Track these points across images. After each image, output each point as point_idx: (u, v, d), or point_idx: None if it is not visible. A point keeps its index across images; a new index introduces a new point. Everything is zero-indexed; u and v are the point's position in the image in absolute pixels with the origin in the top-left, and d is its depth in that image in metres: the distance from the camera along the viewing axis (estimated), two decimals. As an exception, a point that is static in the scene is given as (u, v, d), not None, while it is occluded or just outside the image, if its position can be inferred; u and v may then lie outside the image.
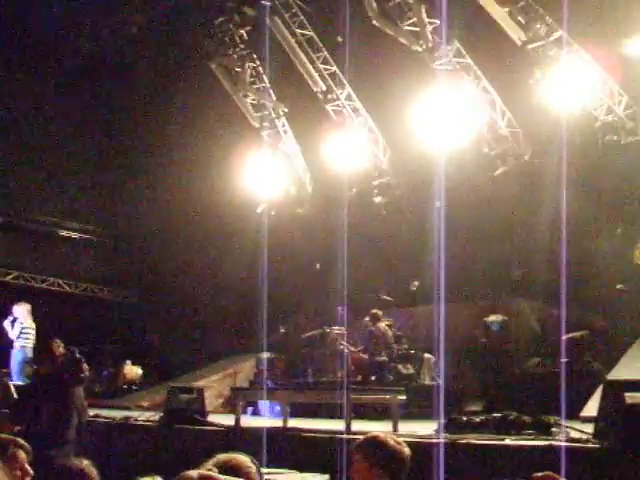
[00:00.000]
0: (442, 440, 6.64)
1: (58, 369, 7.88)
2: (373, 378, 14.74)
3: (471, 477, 6.24)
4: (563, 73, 15.75)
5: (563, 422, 7.09)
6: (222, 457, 3.39)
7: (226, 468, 3.21)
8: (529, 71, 16.21)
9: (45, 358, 7.93)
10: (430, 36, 17.76)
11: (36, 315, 19.51)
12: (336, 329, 17.16)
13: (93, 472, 4.28)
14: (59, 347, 7.96)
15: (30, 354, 17.33)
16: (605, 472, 5.59)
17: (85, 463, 4.32)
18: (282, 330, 19.30)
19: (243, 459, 3.42)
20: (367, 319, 16.13)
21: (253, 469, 3.39)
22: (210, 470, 2.90)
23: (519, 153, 17.73)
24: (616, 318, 14.80)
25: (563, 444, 6.10)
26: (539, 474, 2.66)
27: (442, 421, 7.66)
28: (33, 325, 17.67)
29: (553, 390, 7.70)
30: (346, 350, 16.68)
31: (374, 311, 15.48)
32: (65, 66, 23.00)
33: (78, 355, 8.04)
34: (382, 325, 15.36)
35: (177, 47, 21.40)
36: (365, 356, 15.67)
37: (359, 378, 15.86)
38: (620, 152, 15.80)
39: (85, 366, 8.06)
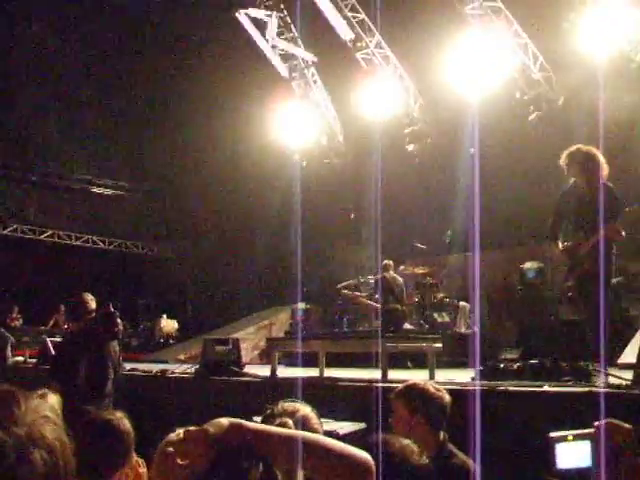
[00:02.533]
0: (479, 387, 6.59)
1: (92, 324, 7.89)
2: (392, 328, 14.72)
3: (510, 424, 6.20)
4: (597, 14, 15.44)
5: (602, 369, 7.01)
6: (288, 407, 3.35)
7: (294, 419, 3.18)
8: (562, 13, 15.91)
9: (78, 314, 7.93)
10: (460, -20, 17.49)
11: (70, 272, 19.73)
12: (371, 278, 17.12)
13: (126, 424, 4.30)
14: (92, 302, 7.96)
15: None
16: (645, 418, 5.52)
17: (119, 415, 4.33)
18: (316, 281, 19.30)
19: (307, 409, 3.39)
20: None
21: (316, 418, 3.37)
22: (286, 422, 2.86)
23: (552, 98, 17.48)
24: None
25: (602, 390, 6.03)
26: (601, 422, 2.59)
27: (479, 368, 7.60)
28: None
29: (589, 337, 7.64)
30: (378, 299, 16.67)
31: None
32: (94, 24, 22.92)
33: (112, 309, 8.05)
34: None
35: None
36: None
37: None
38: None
39: (119, 320, 8.07)
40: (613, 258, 7.90)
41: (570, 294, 8.37)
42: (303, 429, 2.85)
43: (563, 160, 8.20)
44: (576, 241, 8.01)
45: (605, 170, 8.04)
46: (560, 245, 8.21)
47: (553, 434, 2.53)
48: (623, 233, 7.74)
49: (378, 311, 16.39)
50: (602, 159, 8.06)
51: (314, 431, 3.15)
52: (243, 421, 2.03)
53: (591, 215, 7.86)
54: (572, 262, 8.01)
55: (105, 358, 7.76)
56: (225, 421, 2.00)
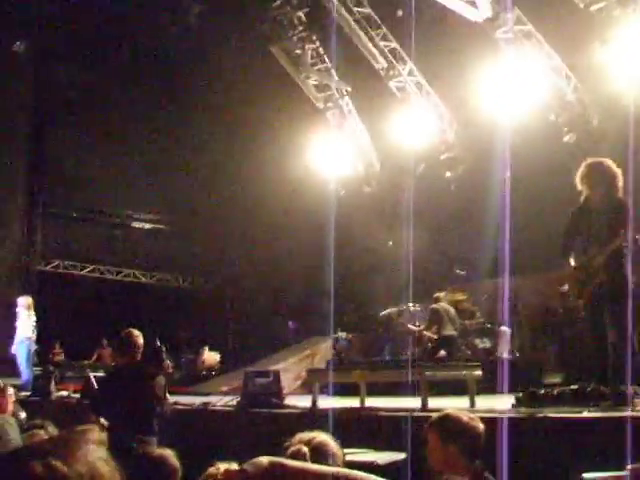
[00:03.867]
0: (519, 415, 6.58)
1: (140, 360, 7.97)
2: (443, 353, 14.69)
3: (549, 451, 6.17)
4: (629, 33, 15.40)
5: (634, 390, 6.96)
6: (305, 436, 3.42)
7: (310, 446, 3.25)
8: (594, 34, 15.89)
9: (126, 349, 8.00)
10: (489, 5, 17.53)
11: (112, 306, 19.91)
12: (412, 306, 17.15)
13: (175, 462, 4.35)
14: (139, 337, 8.04)
15: (33, 346, 17.33)
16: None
17: (168, 452, 4.38)
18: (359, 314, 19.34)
19: (324, 437, 3.46)
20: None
21: (333, 445, 3.43)
22: (299, 449, 2.92)
23: (586, 119, 17.43)
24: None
25: (641, 414, 6.01)
26: (635, 465, 2.60)
27: (518, 395, 7.58)
28: (34, 318, 17.58)
29: (633, 358, 7.56)
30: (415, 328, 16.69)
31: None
32: (126, 57, 23.21)
33: (159, 344, 8.14)
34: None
35: (236, 34, 21.41)
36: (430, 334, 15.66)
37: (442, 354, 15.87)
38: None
39: (166, 357, 8.16)
40: (629, 270, 7.80)
41: (583, 313, 8.24)
42: (319, 454, 2.91)
43: (579, 175, 8.15)
44: (590, 256, 7.92)
45: (621, 182, 7.98)
46: (573, 262, 8.12)
47: (586, 475, 2.54)
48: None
49: (427, 339, 16.48)
50: (618, 171, 8.01)
51: (331, 456, 3.24)
52: (282, 459, 2.07)
53: (605, 228, 7.81)
54: (586, 277, 7.88)
55: (152, 394, 7.82)
56: (265, 460, 2.04)
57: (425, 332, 15.96)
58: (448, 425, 4.64)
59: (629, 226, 7.66)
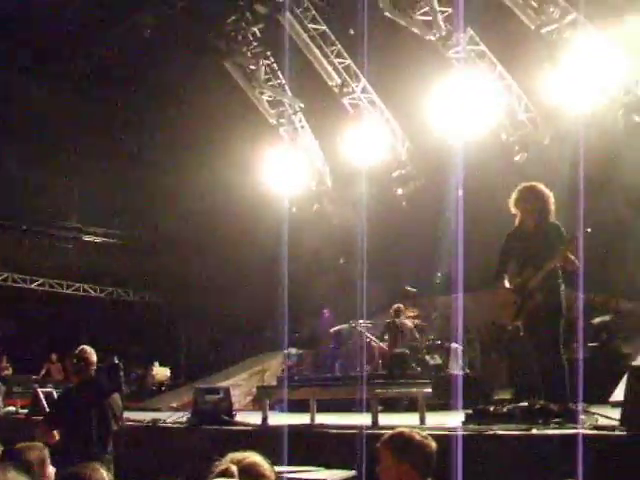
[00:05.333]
0: (468, 432, 6.61)
1: (95, 377, 7.88)
2: (396, 372, 14.65)
3: (498, 468, 6.20)
4: (579, 55, 15.64)
5: (582, 408, 7.03)
6: (236, 455, 3.41)
7: (240, 466, 3.25)
8: (545, 55, 16.10)
9: (80, 367, 7.90)
10: (443, 25, 17.73)
11: (62, 321, 19.73)
12: (362, 323, 17.16)
13: (101, 474, 4.22)
14: (93, 354, 7.94)
15: None
16: (632, 459, 5.54)
17: (92, 466, 4.27)
18: (306, 327, 19.29)
19: (256, 458, 3.45)
20: (391, 310, 16.14)
21: (266, 466, 3.42)
22: (228, 468, 2.92)
23: (537, 138, 17.63)
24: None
25: (590, 432, 6.05)
26: None
27: (468, 412, 7.62)
28: None
29: (582, 376, 7.64)
30: (373, 344, 16.69)
31: (397, 305, 15.47)
32: (80, 70, 23.06)
33: (116, 361, 8.06)
34: (403, 319, 15.37)
35: (190, 47, 21.36)
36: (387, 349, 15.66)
37: (385, 372, 15.87)
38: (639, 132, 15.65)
39: (121, 373, 8.08)
40: (562, 291, 7.92)
41: (522, 333, 8.33)
42: (249, 475, 2.92)
43: (512, 199, 8.25)
44: (524, 277, 8.02)
45: (553, 205, 8.11)
46: (507, 284, 8.21)
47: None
48: (577, 262, 7.76)
49: (380, 354, 16.49)
50: (550, 195, 8.13)
51: (263, 477, 3.26)
52: None
53: (539, 251, 7.92)
54: (521, 299, 7.99)
55: (108, 411, 7.73)
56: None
57: (383, 347, 16.00)
58: (401, 442, 4.63)
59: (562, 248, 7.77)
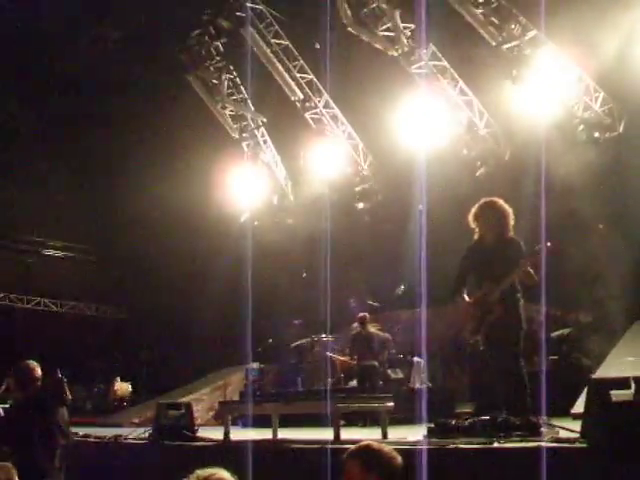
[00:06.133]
0: (430, 446, 6.63)
1: (40, 391, 7.79)
2: (367, 384, 14.58)
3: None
4: (539, 72, 15.83)
5: (543, 420, 7.09)
6: (203, 472, 3.39)
7: None
8: (505, 71, 16.26)
9: (25, 382, 7.81)
10: (405, 41, 17.86)
11: (22, 335, 19.49)
12: (324, 337, 17.16)
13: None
14: (37, 369, 7.85)
15: None
16: (592, 472, 5.59)
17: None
18: (270, 340, 19.21)
19: (224, 474, 3.42)
20: (355, 324, 16.11)
21: None
22: None
23: (498, 153, 17.78)
24: (603, 313, 14.82)
25: (551, 445, 6.10)
26: None
27: (430, 426, 7.64)
28: None
29: (543, 388, 7.69)
30: (333, 357, 16.68)
31: (362, 314, 15.40)
32: (44, 82, 22.92)
33: (60, 375, 7.98)
34: (371, 329, 15.27)
35: (154, 61, 21.30)
36: (353, 361, 15.58)
37: (353, 384, 15.83)
38: (599, 148, 15.84)
39: (66, 387, 7.99)
40: (521, 305, 8.01)
41: (482, 347, 8.40)
42: None
43: (471, 215, 8.32)
44: (484, 291, 8.09)
45: (512, 221, 8.19)
46: (467, 298, 8.27)
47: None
48: (536, 277, 7.84)
49: (340, 369, 16.45)
50: (509, 210, 8.21)
51: None
52: None
53: (498, 265, 8.00)
54: (481, 313, 8.06)
55: (54, 426, 7.65)
56: None
57: (346, 360, 15.96)
58: (370, 455, 4.62)
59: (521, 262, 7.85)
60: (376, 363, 14.97)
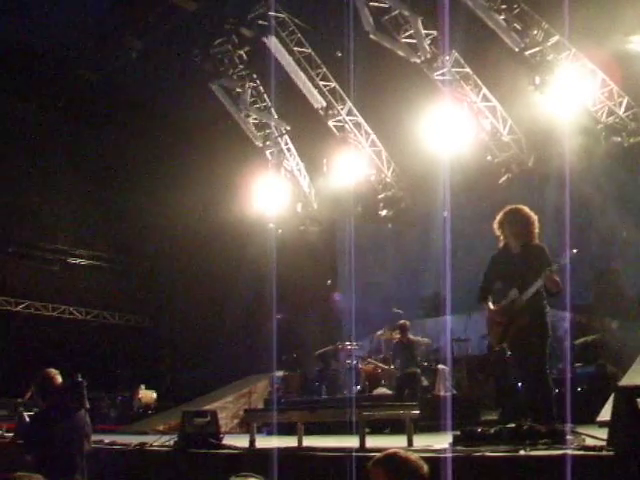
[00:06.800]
0: (456, 454, 6.61)
1: (61, 397, 7.85)
2: (406, 392, 14.46)
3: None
4: (562, 77, 15.78)
5: (569, 428, 7.04)
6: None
7: None
8: (528, 77, 16.22)
9: (46, 390, 7.89)
10: (428, 47, 17.83)
11: (47, 343, 19.61)
12: (348, 344, 17.16)
13: None
14: (57, 376, 7.92)
15: None
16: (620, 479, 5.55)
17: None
18: (294, 355, 19.20)
19: None
20: (379, 331, 16.06)
21: None
22: None
23: (522, 160, 17.73)
24: (629, 320, 14.75)
25: (577, 453, 6.06)
26: None
27: (456, 434, 7.61)
28: None
29: (568, 396, 7.66)
30: (360, 365, 16.66)
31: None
32: (67, 93, 23.08)
33: (79, 379, 8.04)
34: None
35: (177, 70, 21.41)
36: (391, 368, 15.51)
37: (379, 391, 15.80)
38: (623, 154, 15.76)
39: (85, 391, 8.05)
40: (547, 312, 7.97)
41: (508, 354, 8.37)
42: None
43: (496, 222, 8.30)
44: (509, 299, 8.06)
45: (537, 228, 8.15)
46: (492, 305, 8.24)
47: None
48: (561, 285, 7.81)
49: (365, 376, 16.42)
50: (534, 218, 8.17)
51: None
52: None
53: (524, 273, 7.96)
54: (507, 320, 8.03)
55: (75, 431, 7.71)
56: None
57: (383, 367, 15.88)
58: (396, 463, 4.62)
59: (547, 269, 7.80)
60: (418, 370, 14.87)
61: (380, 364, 16.30)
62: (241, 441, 10.28)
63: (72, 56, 21.55)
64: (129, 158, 24.84)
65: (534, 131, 17.13)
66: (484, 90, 17.82)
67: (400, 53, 18.34)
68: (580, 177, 14.36)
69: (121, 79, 22.28)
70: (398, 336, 15.47)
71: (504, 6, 16.37)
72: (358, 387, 16.25)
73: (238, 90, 22.10)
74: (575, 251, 7.79)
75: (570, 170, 12.87)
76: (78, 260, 28.18)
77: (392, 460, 4.68)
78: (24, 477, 4.23)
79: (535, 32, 16.24)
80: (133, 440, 12.01)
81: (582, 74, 15.74)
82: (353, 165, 20.03)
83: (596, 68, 15.76)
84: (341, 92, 20.63)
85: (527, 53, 16.29)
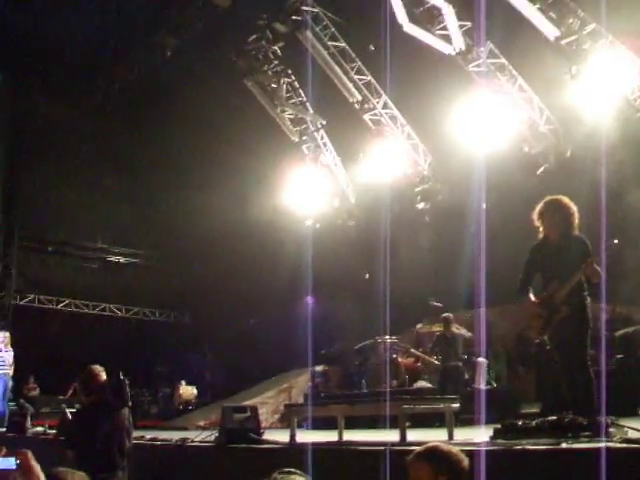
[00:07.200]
0: (497, 447, 6.58)
1: (104, 395, 7.91)
2: (449, 386, 14.37)
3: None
4: (599, 66, 15.61)
5: (611, 420, 6.98)
6: (279, 478, 3.35)
7: None
8: (565, 67, 16.08)
9: (90, 387, 7.96)
10: (462, 39, 17.72)
11: (87, 341, 19.80)
12: (387, 338, 17.13)
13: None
14: (102, 373, 7.99)
15: (10, 382, 17.44)
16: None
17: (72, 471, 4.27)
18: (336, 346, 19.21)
19: (300, 478, 3.37)
20: (419, 325, 16.00)
21: None
22: None
23: (560, 150, 17.58)
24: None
25: (620, 445, 6.01)
26: None
27: (497, 427, 7.58)
28: (11, 353, 17.57)
29: (609, 388, 7.59)
30: (399, 358, 16.63)
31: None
32: (103, 90, 23.26)
33: (122, 377, 8.10)
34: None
35: (212, 67, 21.48)
36: (435, 361, 15.47)
37: (419, 385, 15.79)
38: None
39: (127, 388, 8.12)
40: (588, 304, 7.89)
41: (549, 346, 8.29)
42: None
43: (536, 213, 8.20)
44: (550, 291, 7.98)
45: (577, 219, 8.06)
46: (533, 297, 8.17)
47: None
48: (602, 274, 7.72)
49: (404, 370, 16.39)
50: (574, 208, 8.08)
51: None
52: None
53: (564, 264, 7.87)
54: (548, 312, 7.96)
55: (118, 427, 7.79)
56: None
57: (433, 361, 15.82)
58: (439, 457, 4.61)
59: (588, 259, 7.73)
60: (460, 364, 14.84)
61: (424, 356, 16.25)
62: (282, 436, 10.31)
63: (106, 54, 21.70)
64: (164, 156, 24.95)
65: (571, 121, 16.95)
66: (520, 81, 17.70)
67: (434, 46, 18.27)
68: (618, 167, 14.21)
69: (155, 77, 22.40)
70: (439, 329, 15.44)
71: (539, -5, 16.26)
72: (395, 381, 16.21)
73: (273, 86, 22.17)
74: (616, 241, 7.71)
75: (608, 160, 12.74)
76: (117, 258, 28.41)
77: (435, 454, 4.67)
78: (66, 473, 4.25)
79: (571, 20, 16.10)
80: (174, 436, 12.09)
81: (620, 62, 15.56)
82: (389, 158, 19.98)
83: (634, 56, 15.58)
84: (376, 85, 20.61)
85: (563, 42, 16.15)
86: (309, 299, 19.38)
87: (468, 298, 16.99)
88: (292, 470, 3.42)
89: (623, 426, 7.03)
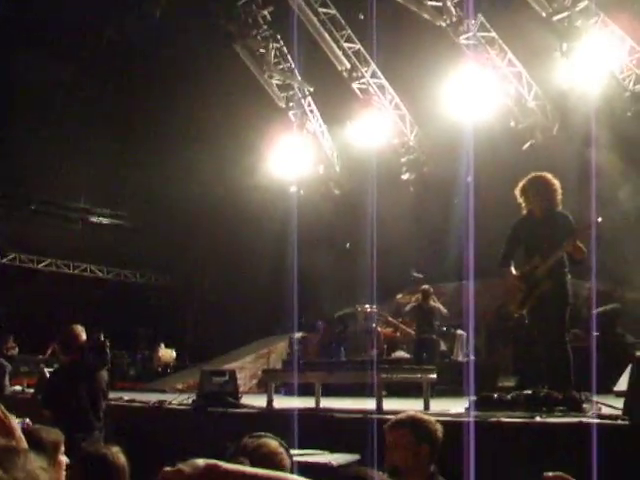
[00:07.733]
0: (472, 419, 6.63)
1: (83, 355, 7.91)
2: (424, 356, 14.47)
3: (502, 456, 6.23)
4: (590, 43, 15.59)
5: (594, 398, 7.06)
6: (250, 443, 3.34)
7: (256, 456, 3.18)
8: (555, 43, 16.05)
9: (70, 346, 7.95)
10: (454, 10, 17.67)
11: (68, 301, 19.76)
12: (367, 307, 17.18)
13: (122, 458, 4.26)
14: (82, 333, 7.98)
15: None
16: (634, 450, 5.56)
17: (114, 449, 4.30)
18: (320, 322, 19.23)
19: (272, 444, 3.36)
20: (399, 295, 16.05)
21: (283, 453, 3.34)
22: (242, 462, 2.85)
23: (547, 126, 17.59)
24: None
25: (592, 421, 6.07)
26: (550, 474, 2.68)
27: (473, 399, 7.65)
28: None
29: (585, 365, 7.66)
30: (379, 328, 16.70)
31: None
32: (90, 51, 23.04)
33: (102, 338, 8.10)
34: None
35: (201, 30, 21.32)
36: (412, 332, 15.52)
37: (397, 355, 15.88)
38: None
39: (108, 350, 8.13)
40: (568, 280, 7.94)
41: (527, 321, 8.36)
42: (267, 466, 2.85)
43: (519, 189, 8.23)
44: (532, 265, 8.03)
45: (560, 195, 8.08)
46: (514, 271, 8.21)
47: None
48: (585, 251, 7.77)
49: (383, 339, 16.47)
50: (557, 185, 8.10)
51: (280, 467, 3.18)
52: (219, 462, 2.07)
53: (547, 240, 7.92)
54: (528, 286, 8.00)
55: (96, 388, 7.80)
56: (201, 462, 2.04)
57: (409, 331, 15.87)
58: (421, 426, 4.65)
59: (571, 235, 7.76)
60: (434, 336, 14.91)
61: (403, 326, 16.32)
62: (259, 401, 10.37)
63: (95, 13, 21.48)
64: (151, 118, 24.79)
65: (559, 97, 16.97)
66: (509, 55, 17.67)
67: (425, 16, 18.19)
68: (605, 145, 14.24)
69: (144, 40, 22.21)
70: (417, 299, 15.51)
71: (532, -31, 16.20)
72: (376, 350, 16.29)
73: (262, 51, 22.03)
74: (599, 219, 7.74)
75: (595, 138, 12.76)
76: (99, 219, 28.31)
77: (416, 422, 4.70)
78: (40, 430, 4.27)
79: (563, -3, 16.07)
80: (152, 398, 12.14)
81: (610, 40, 15.55)
82: (376, 128, 19.94)
83: (625, 35, 15.57)
84: (365, 54, 20.52)
85: (555, 18, 16.12)
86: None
87: (450, 271, 17.06)
88: (262, 434, 3.41)
89: (597, 402, 7.10)
